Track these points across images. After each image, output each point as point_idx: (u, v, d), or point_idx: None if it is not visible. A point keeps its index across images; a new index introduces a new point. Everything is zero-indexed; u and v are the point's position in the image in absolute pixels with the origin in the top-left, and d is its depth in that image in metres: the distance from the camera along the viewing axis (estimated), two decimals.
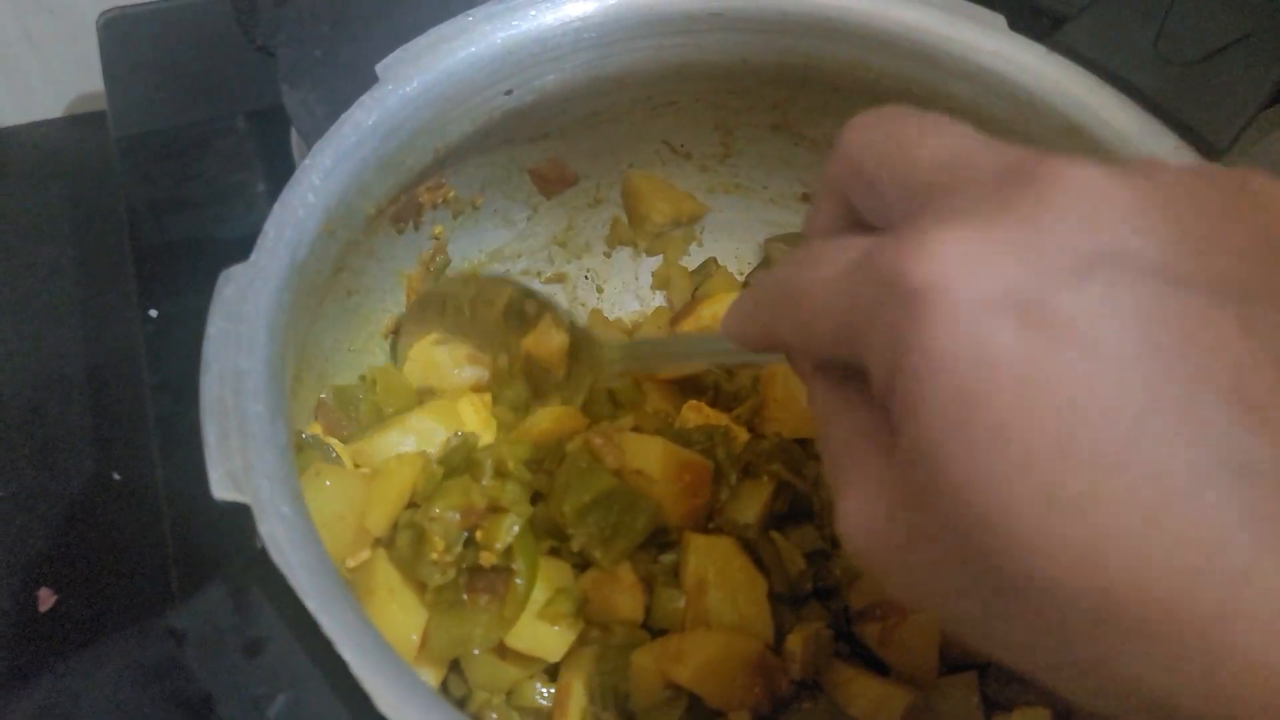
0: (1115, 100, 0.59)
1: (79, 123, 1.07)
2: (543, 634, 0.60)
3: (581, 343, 0.66)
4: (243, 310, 0.50)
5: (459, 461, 0.61)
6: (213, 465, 0.47)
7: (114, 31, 0.99)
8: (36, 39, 1.03)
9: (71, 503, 0.86)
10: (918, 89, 0.65)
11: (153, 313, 0.84)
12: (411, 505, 0.61)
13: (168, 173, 0.96)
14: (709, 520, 0.64)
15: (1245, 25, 0.59)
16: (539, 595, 0.60)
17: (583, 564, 0.62)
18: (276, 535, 0.45)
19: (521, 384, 0.68)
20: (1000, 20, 0.62)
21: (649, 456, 0.63)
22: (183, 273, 0.89)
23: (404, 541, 0.58)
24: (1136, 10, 0.61)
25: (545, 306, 0.67)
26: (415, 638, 0.57)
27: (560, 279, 0.77)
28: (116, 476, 0.87)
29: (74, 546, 0.83)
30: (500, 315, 0.68)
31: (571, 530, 0.61)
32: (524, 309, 0.67)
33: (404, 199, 0.64)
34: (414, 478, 0.60)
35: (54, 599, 0.81)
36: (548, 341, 0.66)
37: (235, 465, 0.47)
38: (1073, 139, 0.60)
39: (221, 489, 0.46)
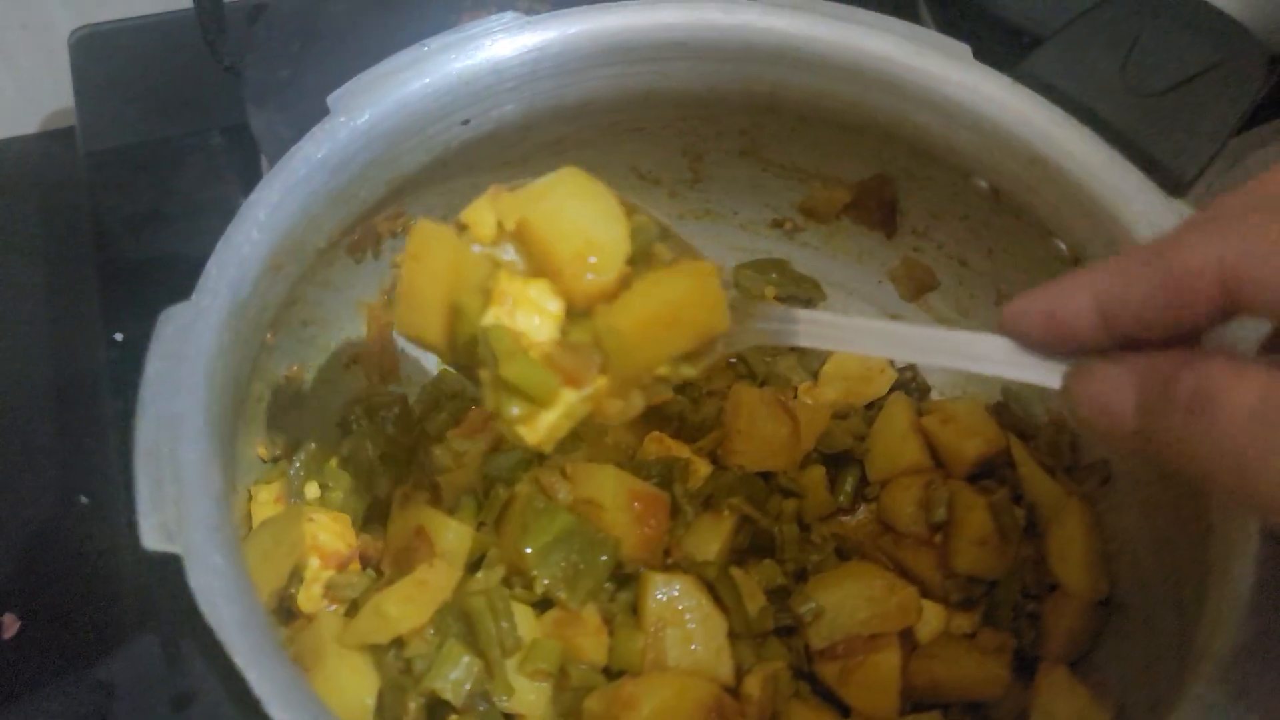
0: (1079, 133, 0.58)
1: (53, 138, 1.06)
2: (523, 689, 0.58)
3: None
4: (182, 351, 0.50)
5: (459, 631, 0.58)
6: (144, 515, 0.46)
7: (86, 48, 0.98)
8: (10, 55, 1.02)
9: (38, 526, 0.84)
10: (883, 118, 0.64)
11: (118, 336, 0.83)
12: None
13: (140, 189, 0.95)
14: (666, 556, 0.63)
15: (1214, 55, 0.58)
16: None
17: (540, 604, 0.61)
18: (207, 588, 0.44)
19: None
20: (965, 50, 0.61)
21: (600, 485, 0.62)
22: (152, 293, 0.87)
23: (385, 684, 0.57)
24: (1104, 39, 0.60)
25: (687, 251, 0.55)
26: (369, 701, 0.56)
27: None
28: (84, 500, 0.86)
29: (40, 572, 0.82)
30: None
31: (535, 572, 0.60)
32: (653, 251, 0.53)
33: (360, 229, 0.63)
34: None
35: (18, 625, 0.79)
36: None
37: (168, 515, 0.46)
38: (1036, 170, 0.59)
39: (152, 540, 0.45)
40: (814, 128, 0.68)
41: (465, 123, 0.61)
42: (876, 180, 0.70)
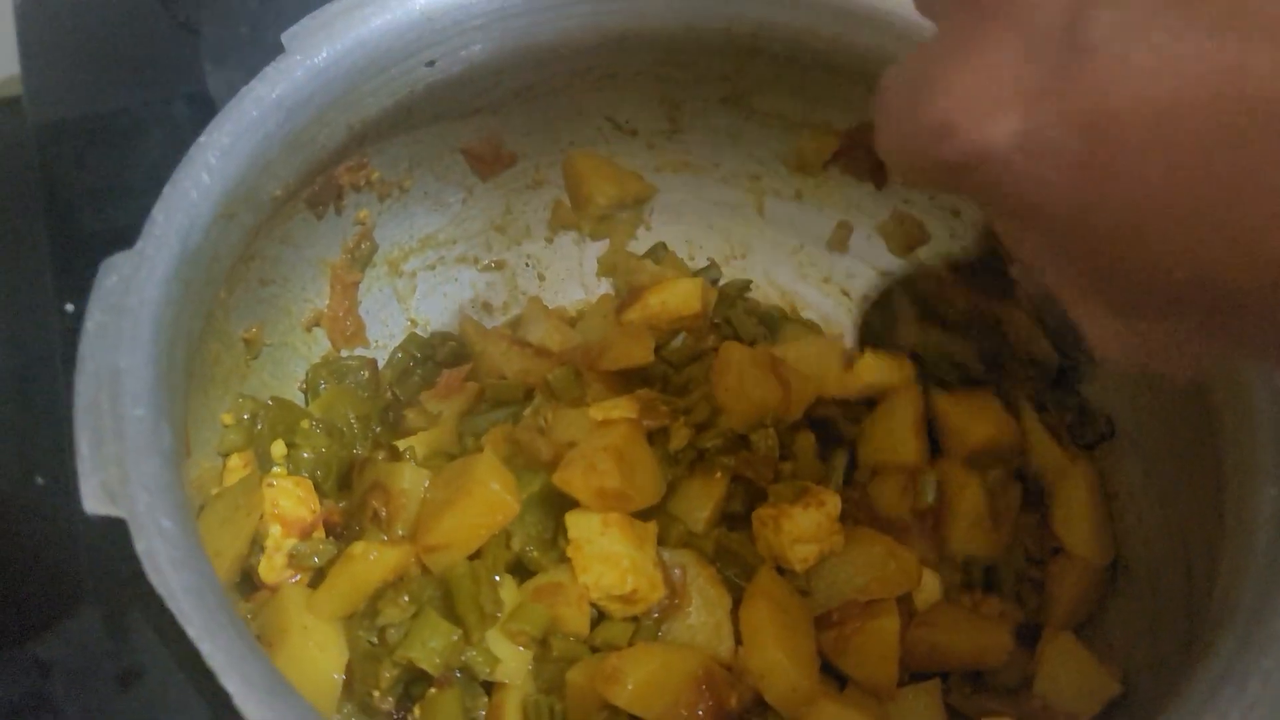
0: None
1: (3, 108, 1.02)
2: (506, 657, 0.55)
3: None
4: (125, 303, 0.46)
5: (435, 598, 0.55)
6: (85, 476, 0.42)
7: (34, 12, 0.94)
8: None
9: None
10: (872, 58, 0.60)
11: (69, 307, 0.79)
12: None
13: (98, 161, 0.91)
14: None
15: None
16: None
17: (519, 572, 0.58)
18: (155, 553, 0.41)
19: None
20: None
21: (579, 425, 0.59)
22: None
23: (356, 656, 0.54)
24: None
25: None
26: (337, 676, 0.53)
27: (499, 266, 0.72)
28: (40, 480, 0.83)
29: None
30: None
31: (511, 528, 0.57)
32: None
33: (320, 180, 0.60)
34: (383, 580, 0.55)
35: None
36: None
37: (110, 475, 0.42)
38: None
39: (94, 502, 0.42)
40: (800, 71, 0.64)
41: (430, 64, 0.58)
42: (866, 127, 0.67)
